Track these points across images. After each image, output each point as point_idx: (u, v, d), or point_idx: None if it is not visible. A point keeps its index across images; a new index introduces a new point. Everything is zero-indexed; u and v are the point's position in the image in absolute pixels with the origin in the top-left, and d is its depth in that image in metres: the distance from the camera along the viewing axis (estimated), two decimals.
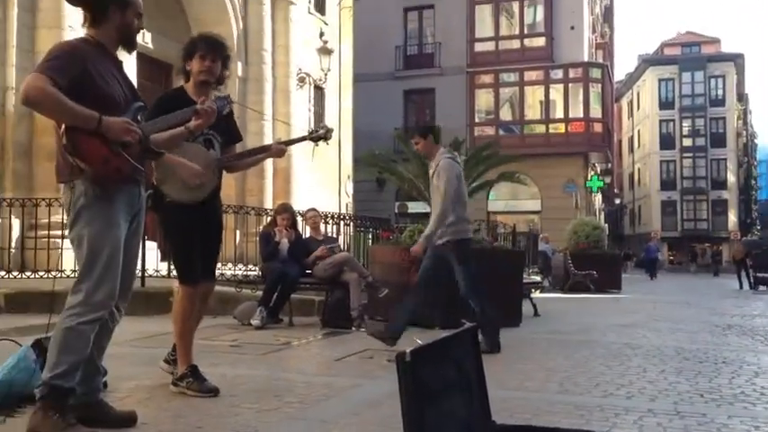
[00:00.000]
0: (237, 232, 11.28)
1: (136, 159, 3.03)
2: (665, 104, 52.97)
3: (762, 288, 18.63)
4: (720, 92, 52.69)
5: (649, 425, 3.47)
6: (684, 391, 4.37)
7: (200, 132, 3.72)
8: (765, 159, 75.90)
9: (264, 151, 4.28)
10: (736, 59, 54.19)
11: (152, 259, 8.69)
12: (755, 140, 72.70)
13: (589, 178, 29.19)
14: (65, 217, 3.18)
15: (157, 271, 8.70)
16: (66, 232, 3.13)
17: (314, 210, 8.52)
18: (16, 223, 9.75)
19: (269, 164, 14.19)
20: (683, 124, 52.47)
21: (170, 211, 3.92)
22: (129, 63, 9.94)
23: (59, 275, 6.67)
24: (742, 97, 59.05)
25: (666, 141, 52.76)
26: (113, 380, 3.92)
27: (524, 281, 9.71)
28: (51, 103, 2.84)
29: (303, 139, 4.50)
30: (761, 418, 3.66)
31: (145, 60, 12.61)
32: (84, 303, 2.93)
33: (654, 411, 3.76)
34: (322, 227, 8.81)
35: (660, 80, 53.34)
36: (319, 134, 4.31)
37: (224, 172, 4.16)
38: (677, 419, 3.59)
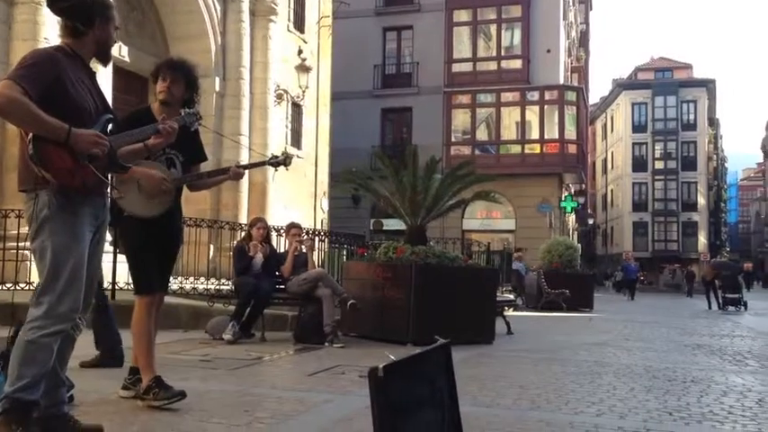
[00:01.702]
0: (211, 246, 11.20)
1: (102, 172, 3.01)
2: (637, 128, 53.77)
3: (730, 308, 18.87)
4: (692, 116, 53.63)
5: None
6: (653, 408, 4.41)
7: (162, 151, 3.86)
8: (735, 183, 77.25)
9: (223, 173, 4.35)
10: (708, 85, 55.25)
11: (123, 272, 8.57)
12: (725, 164, 74.02)
13: (563, 199, 29.48)
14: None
15: (128, 284, 8.57)
16: (28, 243, 3.09)
17: (297, 225, 8.46)
18: None
19: (244, 178, 14.12)
20: (656, 147, 53.28)
21: (128, 224, 4.01)
22: (105, 75, 9.91)
23: (27, 287, 6.57)
24: (713, 122, 60.14)
25: (639, 164, 53.50)
26: (79, 393, 3.85)
27: (498, 299, 9.76)
28: (21, 113, 2.80)
29: (262, 163, 4.62)
30: None
31: (121, 73, 12.54)
32: (46, 316, 2.89)
33: (623, 429, 3.78)
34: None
35: (633, 104, 54.17)
36: (278, 160, 4.43)
37: (185, 190, 4.23)
38: None
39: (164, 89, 4.03)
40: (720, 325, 12.39)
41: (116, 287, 8.14)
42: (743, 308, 18.84)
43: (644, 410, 4.34)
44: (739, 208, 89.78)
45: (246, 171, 4.32)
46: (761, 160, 73.44)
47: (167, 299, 7.95)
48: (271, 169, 14.88)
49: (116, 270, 8.10)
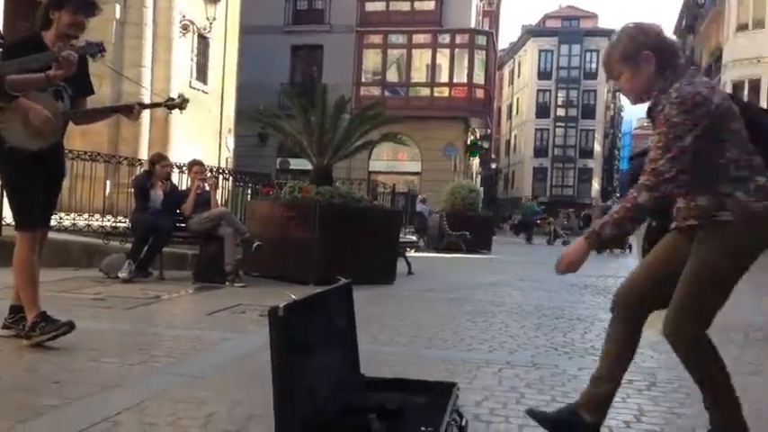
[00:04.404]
0: (108, 182, 10.78)
1: None
2: (543, 74, 55.01)
3: (617, 251, 19.87)
4: (594, 66, 55.24)
5: (508, 376, 3.67)
6: (541, 344, 4.65)
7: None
8: (629, 132, 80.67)
9: (116, 112, 4.24)
10: (611, 35, 56.53)
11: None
12: (622, 114, 77.09)
13: (468, 142, 29.98)
14: None
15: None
16: None
17: (199, 162, 8.22)
18: None
19: (146, 112, 13.55)
20: (559, 95, 54.80)
21: (9, 156, 3.77)
22: None
23: None
24: None
25: (542, 110, 54.97)
26: None
27: (401, 240, 9.92)
28: None
29: (158, 105, 4.50)
30: None
31: None
32: None
33: (512, 363, 3.98)
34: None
35: (541, 51, 55.23)
36: (174, 103, 4.32)
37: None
38: (533, 370, 3.82)
39: (77, 23, 3.75)
40: (607, 266, 13.10)
41: (2, 223, 7.74)
42: (628, 250, 19.91)
43: (532, 347, 4.57)
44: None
45: (140, 110, 4.16)
46: None
47: (58, 235, 7.67)
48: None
49: (2, 205, 7.68)
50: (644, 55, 2.48)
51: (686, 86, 2.37)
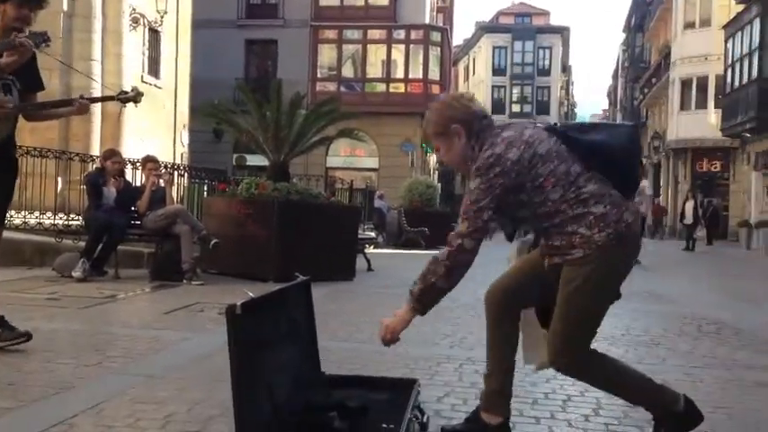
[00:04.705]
0: (59, 179, 10.52)
1: None
2: (497, 71, 55.54)
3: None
4: (547, 62, 56.04)
5: (468, 372, 3.72)
6: None
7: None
8: None
9: (67, 105, 4.07)
10: (563, 32, 57.80)
11: None
12: (575, 110, 78.43)
13: (425, 139, 30.12)
14: None
15: None
16: None
17: (153, 159, 8.08)
18: None
19: (97, 107, 13.26)
20: (513, 91, 55.42)
21: None
22: None
23: None
24: (566, 68, 63.25)
25: (498, 106, 55.43)
26: None
27: (359, 236, 9.93)
28: None
29: (111, 98, 4.44)
30: None
31: None
32: None
33: (472, 359, 4.03)
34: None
35: (494, 47, 55.74)
36: (128, 96, 4.22)
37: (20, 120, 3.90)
38: None
39: (22, 17, 3.61)
40: None
41: None
42: None
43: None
44: None
45: (94, 104, 4.05)
46: (606, 107, 78.38)
47: (9, 234, 7.46)
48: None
49: None
50: (453, 128, 2.51)
51: (485, 151, 2.42)
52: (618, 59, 62.62)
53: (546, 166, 2.38)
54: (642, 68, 42.43)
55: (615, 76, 65.51)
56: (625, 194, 2.44)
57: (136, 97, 4.19)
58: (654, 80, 36.23)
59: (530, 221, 2.52)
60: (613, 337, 4.79)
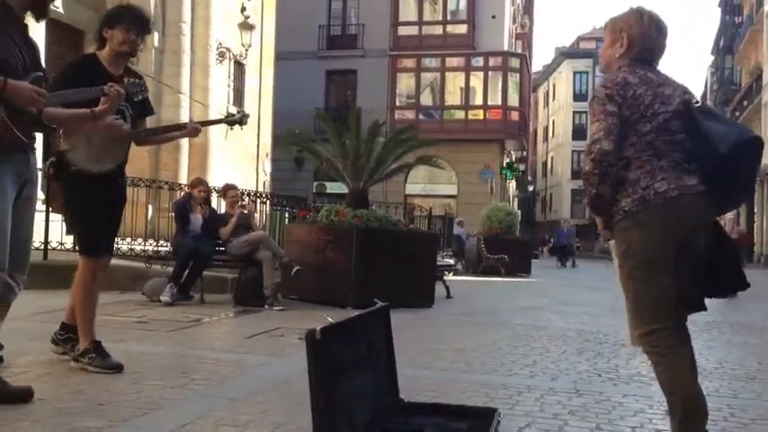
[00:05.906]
0: (150, 207, 10.96)
1: (23, 130, 2.86)
2: (578, 96, 54.59)
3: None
4: None
5: (550, 402, 3.61)
6: (584, 370, 4.56)
7: None
8: None
9: (179, 129, 4.25)
10: None
11: (56, 232, 8.34)
12: None
13: (504, 165, 29.83)
14: None
15: (62, 244, 8.35)
16: None
17: (233, 186, 8.34)
18: None
19: (185, 139, 13.80)
20: None
21: (74, 180, 3.79)
22: (38, 29, 9.43)
23: None
24: None
25: (579, 132, 54.40)
26: (10, 355, 3.76)
27: (438, 263, 9.88)
28: None
29: (219, 121, 4.59)
30: (655, 397, 3.84)
31: (55, 25, 11.99)
32: None
33: (554, 390, 3.91)
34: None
35: (575, 72, 54.94)
36: (235, 119, 4.36)
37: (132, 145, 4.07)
38: (576, 397, 3.75)
39: (129, 41, 3.79)
40: None
41: (48, 247, 7.92)
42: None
43: (575, 372, 4.49)
44: None
45: (200, 127, 4.19)
46: None
47: None
48: (213, 130, 14.59)
49: (48, 229, 7.87)
50: (622, 36, 2.63)
51: (621, 71, 2.56)
52: (706, 82, 60.57)
53: (643, 124, 2.49)
54: (733, 91, 40.93)
55: (704, 99, 63.33)
56: (721, 197, 2.51)
57: (242, 119, 4.33)
58: (745, 102, 34.84)
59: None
60: (705, 369, 4.56)
